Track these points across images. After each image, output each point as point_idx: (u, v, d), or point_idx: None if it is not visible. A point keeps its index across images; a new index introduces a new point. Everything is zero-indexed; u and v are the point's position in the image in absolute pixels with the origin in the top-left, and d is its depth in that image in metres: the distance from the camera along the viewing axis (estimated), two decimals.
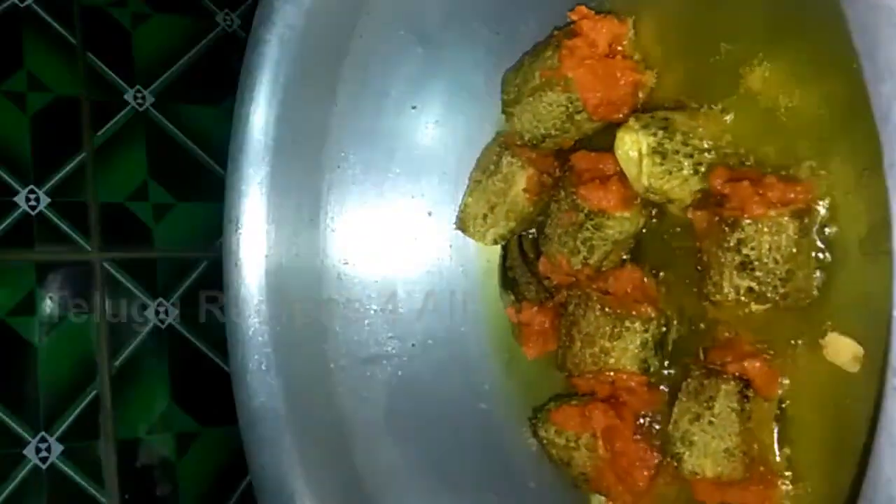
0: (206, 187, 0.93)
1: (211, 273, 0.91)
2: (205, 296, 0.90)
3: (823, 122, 0.53)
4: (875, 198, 0.50)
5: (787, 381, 0.56)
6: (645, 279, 0.64)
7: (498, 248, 0.76)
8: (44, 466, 0.82)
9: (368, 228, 0.79)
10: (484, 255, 0.79)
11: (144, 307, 0.90)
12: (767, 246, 0.53)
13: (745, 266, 0.54)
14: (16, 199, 0.86)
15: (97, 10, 0.92)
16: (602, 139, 0.65)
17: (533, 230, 0.73)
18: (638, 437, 0.64)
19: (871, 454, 0.37)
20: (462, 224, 0.74)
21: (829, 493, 0.53)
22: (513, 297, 0.75)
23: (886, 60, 0.37)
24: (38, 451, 0.82)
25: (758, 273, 0.54)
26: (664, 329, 0.63)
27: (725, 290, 0.55)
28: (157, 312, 0.90)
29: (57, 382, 0.84)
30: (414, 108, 0.78)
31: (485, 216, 0.73)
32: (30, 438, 0.82)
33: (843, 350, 0.52)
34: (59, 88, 0.89)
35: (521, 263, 0.75)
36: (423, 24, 0.75)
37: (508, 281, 0.76)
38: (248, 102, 0.74)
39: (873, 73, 0.38)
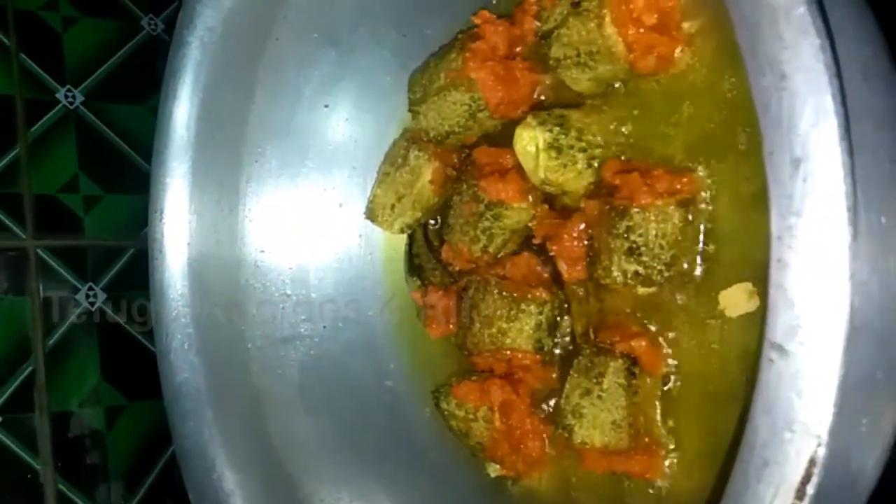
0: (132, 180, 0.89)
1: (138, 260, 0.87)
2: None
3: (711, 116, 0.49)
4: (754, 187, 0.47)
5: (671, 359, 0.52)
6: (539, 266, 0.60)
7: (404, 237, 0.73)
8: None
9: (284, 219, 0.74)
10: (391, 245, 0.75)
11: (76, 290, 0.85)
12: (654, 233, 0.50)
13: (633, 251, 0.51)
14: None
15: (30, 14, 0.86)
16: (502, 135, 0.62)
17: (437, 220, 0.70)
18: (532, 411, 0.60)
19: (749, 419, 0.35)
20: (371, 214, 0.71)
21: (708, 462, 0.50)
22: (419, 282, 0.71)
23: (766, 55, 0.35)
24: None
25: (644, 258, 0.51)
26: (557, 312, 0.59)
27: (614, 274, 0.52)
28: (87, 296, 0.86)
29: None
30: (326, 106, 0.74)
31: (392, 206, 0.69)
32: None
33: (736, 296, 0.48)
34: None
35: (426, 251, 0.71)
36: (334, 28, 0.71)
37: (415, 267, 0.73)
38: (172, 100, 0.69)
39: (755, 68, 0.35)
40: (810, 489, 0.31)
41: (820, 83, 0.31)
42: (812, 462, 0.31)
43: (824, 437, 0.31)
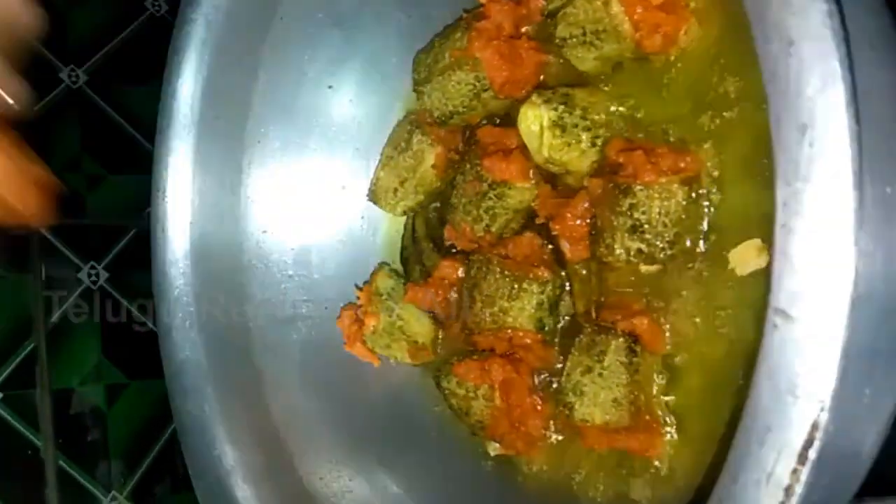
0: (135, 160, 0.89)
1: (140, 240, 0.88)
2: None
3: (718, 92, 0.49)
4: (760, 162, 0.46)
5: (673, 337, 0.52)
6: (541, 246, 0.60)
7: (405, 219, 0.73)
8: None
9: (286, 199, 0.75)
10: (393, 226, 0.75)
11: (78, 269, 0.86)
12: (657, 210, 0.50)
13: (636, 229, 0.51)
14: None
15: None
16: (506, 115, 0.62)
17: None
18: (533, 389, 0.60)
19: (752, 384, 0.35)
20: (374, 196, 0.71)
21: (708, 438, 0.49)
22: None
23: (774, 22, 0.35)
24: None
25: (647, 235, 0.51)
26: (559, 291, 0.59)
27: (617, 252, 0.52)
28: (89, 275, 0.86)
29: None
30: (330, 87, 0.74)
31: (395, 190, 0.69)
32: None
33: (745, 253, 0.48)
34: None
35: (411, 244, 0.72)
36: (339, 9, 0.71)
37: (403, 260, 0.74)
38: (175, 80, 0.69)
39: (762, 34, 0.35)
40: (812, 454, 0.31)
41: (828, 49, 0.31)
42: (815, 427, 0.31)
43: (827, 402, 0.31)
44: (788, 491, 0.31)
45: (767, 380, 0.33)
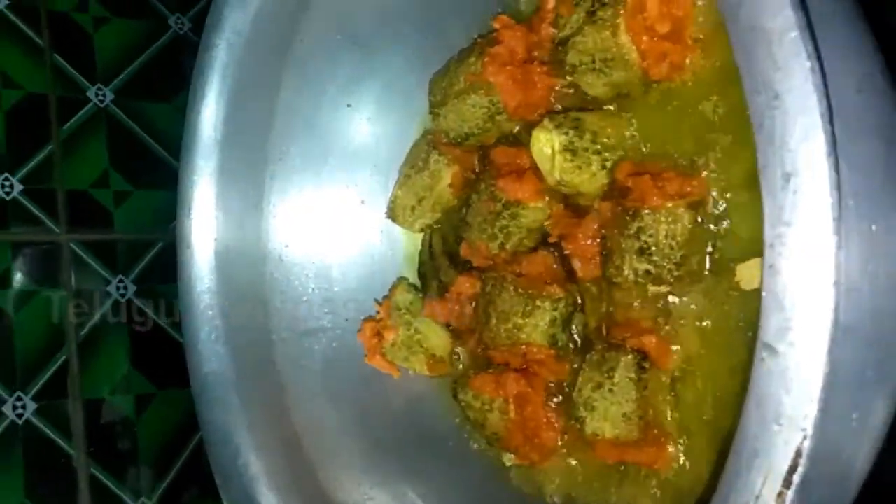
0: (161, 176, 0.91)
1: (166, 254, 0.90)
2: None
3: (724, 128, 0.51)
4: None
5: (681, 355, 0.54)
6: (554, 264, 0.63)
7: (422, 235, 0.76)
8: (20, 422, 0.81)
9: (308, 215, 0.77)
10: (411, 241, 0.77)
11: (107, 283, 0.88)
12: (664, 233, 0.52)
13: (644, 251, 0.53)
14: None
15: (62, 14, 0.89)
16: (520, 136, 0.65)
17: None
18: (547, 403, 0.62)
19: (742, 413, 0.38)
20: (392, 214, 0.74)
21: (713, 454, 0.52)
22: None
23: (761, 76, 0.37)
24: (14, 408, 0.81)
25: (655, 258, 0.53)
26: (571, 308, 0.61)
27: (625, 273, 0.54)
28: (117, 288, 0.88)
29: (30, 348, 0.83)
30: (349, 105, 0.76)
31: (413, 207, 0.72)
32: (7, 397, 0.81)
33: (752, 269, 0.50)
34: (30, 86, 0.86)
35: (428, 260, 0.74)
36: (357, 29, 0.73)
37: (420, 275, 0.76)
38: (200, 100, 0.72)
39: (751, 86, 0.38)
40: (796, 478, 0.34)
41: (809, 103, 0.34)
42: (798, 453, 0.34)
43: (809, 430, 0.34)
44: None
45: (756, 408, 0.35)
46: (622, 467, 0.58)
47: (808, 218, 0.34)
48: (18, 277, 0.83)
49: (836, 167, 0.33)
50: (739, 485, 0.36)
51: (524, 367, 0.63)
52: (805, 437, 0.34)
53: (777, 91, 0.35)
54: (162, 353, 0.90)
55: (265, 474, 0.69)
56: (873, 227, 0.37)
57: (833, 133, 0.33)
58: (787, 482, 0.34)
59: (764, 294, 0.35)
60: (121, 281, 0.89)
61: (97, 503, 0.84)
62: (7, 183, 0.84)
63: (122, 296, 0.89)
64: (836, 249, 0.33)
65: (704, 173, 0.52)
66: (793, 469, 0.34)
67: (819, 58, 0.34)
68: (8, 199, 0.83)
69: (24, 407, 0.81)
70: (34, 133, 0.86)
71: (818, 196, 0.33)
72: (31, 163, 0.85)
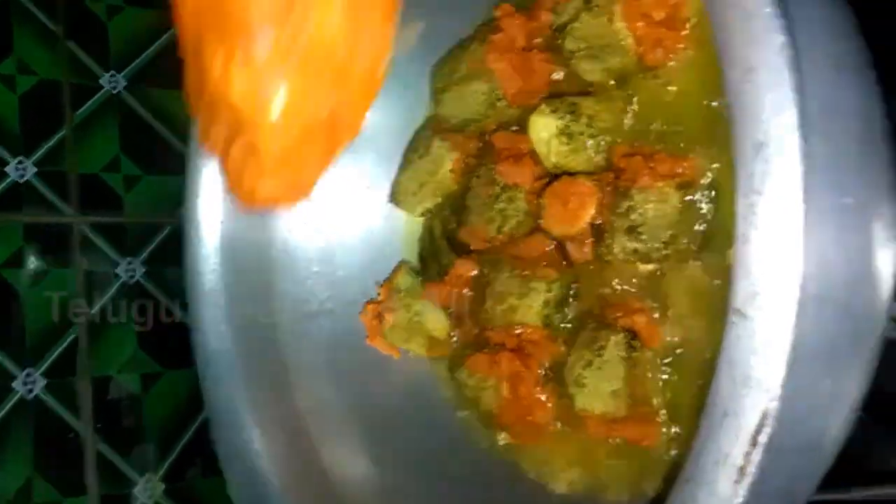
0: (170, 161, 0.93)
1: (174, 237, 0.91)
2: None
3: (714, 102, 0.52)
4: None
5: (669, 333, 0.55)
6: (549, 247, 0.63)
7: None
8: (29, 397, 0.83)
9: (312, 199, 0.73)
10: (413, 226, 0.78)
11: (116, 264, 0.90)
12: (653, 213, 0.53)
13: (633, 230, 0.54)
14: (6, 168, 0.86)
15: (77, 2, 0.91)
16: (520, 121, 0.65)
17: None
18: (540, 382, 0.63)
19: (714, 376, 0.38)
20: (395, 198, 0.75)
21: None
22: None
23: (736, 50, 0.38)
24: (25, 384, 0.82)
25: (643, 236, 0.54)
26: (565, 289, 0.62)
27: (615, 251, 0.55)
28: (126, 270, 0.90)
29: (41, 326, 0.85)
30: None
31: (415, 192, 0.73)
32: (18, 373, 0.82)
33: None
34: (44, 72, 0.88)
35: (428, 244, 0.75)
36: None
37: (421, 258, 0.77)
38: None
39: (727, 61, 0.39)
40: (763, 438, 0.35)
41: (782, 77, 0.35)
42: (765, 414, 0.35)
43: (776, 392, 0.35)
44: (742, 471, 0.35)
45: (727, 371, 0.37)
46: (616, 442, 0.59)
47: (777, 187, 0.35)
48: (30, 258, 0.85)
49: (806, 138, 0.34)
50: (710, 444, 0.37)
51: (519, 347, 0.64)
52: (771, 399, 0.35)
53: (751, 65, 0.36)
54: (168, 334, 0.91)
55: (267, 451, 0.69)
56: (848, 201, 0.39)
57: (804, 106, 0.34)
58: (753, 441, 0.35)
59: (735, 261, 0.36)
60: (130, 263, 0.90)
61: (104, 478, 0.85)
62: (21, 166, 0.86)
63: (131, 278, 0.90)
64: (804, 217, 0.35)
65: (694, 155, 0.53)
66: (759, 429, 0.35)
67: (792, 33, 0.35)
68: (21, 181, 0.85)
69: (33, 383, 0.83)
70: (48, 118, 0.88)
71: (788, 166, 0.35)
72: (44, 147, 0.87)
